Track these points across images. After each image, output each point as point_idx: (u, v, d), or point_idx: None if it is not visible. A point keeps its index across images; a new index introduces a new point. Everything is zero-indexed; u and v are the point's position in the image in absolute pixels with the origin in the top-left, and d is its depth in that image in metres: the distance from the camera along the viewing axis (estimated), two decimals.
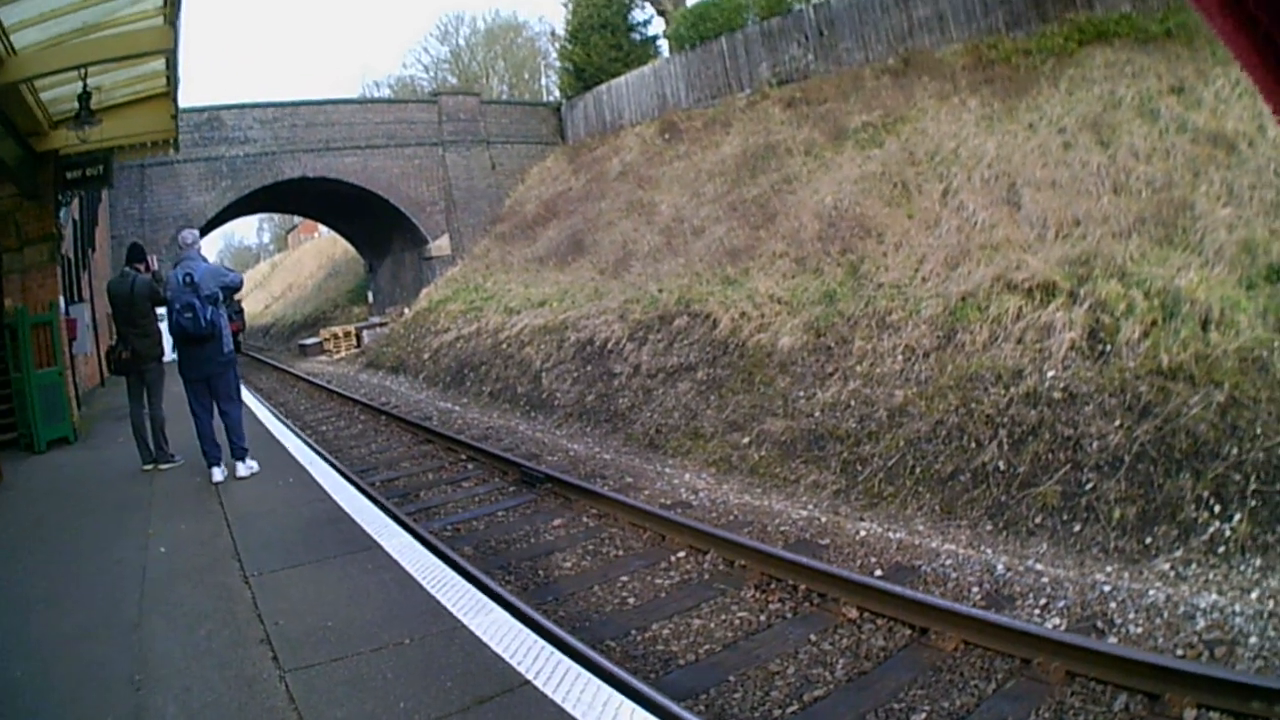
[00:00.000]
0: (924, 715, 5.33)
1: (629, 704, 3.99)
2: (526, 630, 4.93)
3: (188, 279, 8.83)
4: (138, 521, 7.84)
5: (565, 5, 34.07)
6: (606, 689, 4.12)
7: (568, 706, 3.94)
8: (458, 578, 5.90)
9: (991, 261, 11.46)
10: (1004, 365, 9.78)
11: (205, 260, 9.28)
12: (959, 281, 11.54)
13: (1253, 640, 5.69)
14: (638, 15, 33.04)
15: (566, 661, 4.48)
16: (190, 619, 5.39)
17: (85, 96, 11.54)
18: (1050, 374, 9.26)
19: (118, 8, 10.17)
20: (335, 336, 31.70)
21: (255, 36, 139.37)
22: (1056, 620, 6.38)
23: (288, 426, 13.47)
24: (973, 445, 9.09)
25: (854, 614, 6.66)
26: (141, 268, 10.27)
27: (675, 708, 5.04)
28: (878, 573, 7.54)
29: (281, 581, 6.00)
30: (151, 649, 4.97)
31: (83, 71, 11.03)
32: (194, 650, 4.90)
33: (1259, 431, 7.31)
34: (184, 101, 14.53)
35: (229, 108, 26.78)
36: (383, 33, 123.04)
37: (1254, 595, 6.20)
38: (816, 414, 11.00)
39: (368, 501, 8.33)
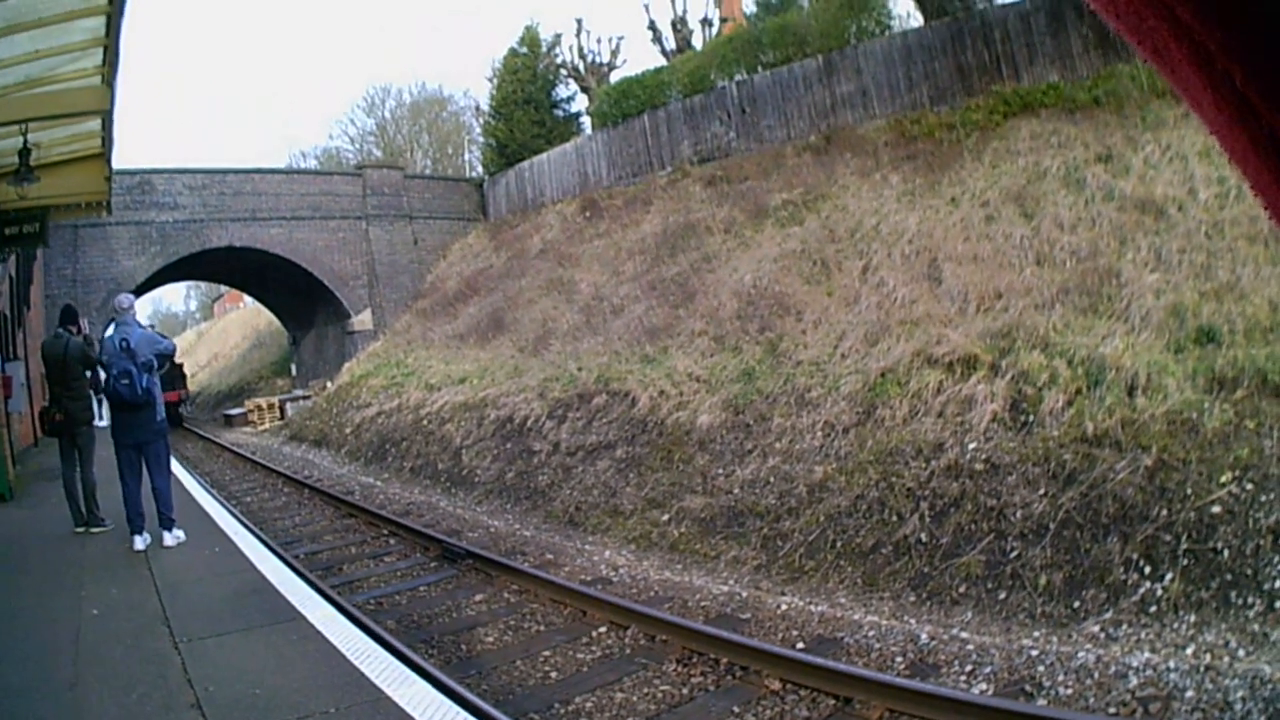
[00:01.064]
0: None
1: None
2: (449, 702, 4.97)
3: (124, 344, 8.76)
4: (71, 583, 7.89)
5: (490, 80, 34.50)
6: None
7: None
8: (380, 649, 5.95)
9: (911, 337, 11.52)
10: (925, 439, 9.76)
11: (141, 326, 9.21)
12: (878, 357, 11.57)
13: (1189, 694, 5.64)
14: (561, 91, 33.61)
15: None
16: (124, 681, 5.43)
17: (25, 152, 11.46)
18: (972, 446, 9.25)
19: (57, 64, 10.11)
20: (260, 408, 31.93)
21: (184, 101, 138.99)
22: (983, 686, 6.30)
23: (213, 496, 13.48)
24: (894, 518, 9.05)
25: (777, 686, 6.54)
26: (74, 330, 10.22)
27: None
28: (800, 645, 7.41)
29: (210, 648, 6.04)
30: (88, 708, 5.03)
31: (24, 127, 10.99)
32: (128, 712, 4.95)
33: (1189, 492, 7.32)
34: (115, 164, 14.35)
35: (159, 172, 26.54)
36: (310, 103, 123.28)
37: (1189, 651, 6.18)
38: (736, 491, 10.91)
39: (291, 573, 8.34)
